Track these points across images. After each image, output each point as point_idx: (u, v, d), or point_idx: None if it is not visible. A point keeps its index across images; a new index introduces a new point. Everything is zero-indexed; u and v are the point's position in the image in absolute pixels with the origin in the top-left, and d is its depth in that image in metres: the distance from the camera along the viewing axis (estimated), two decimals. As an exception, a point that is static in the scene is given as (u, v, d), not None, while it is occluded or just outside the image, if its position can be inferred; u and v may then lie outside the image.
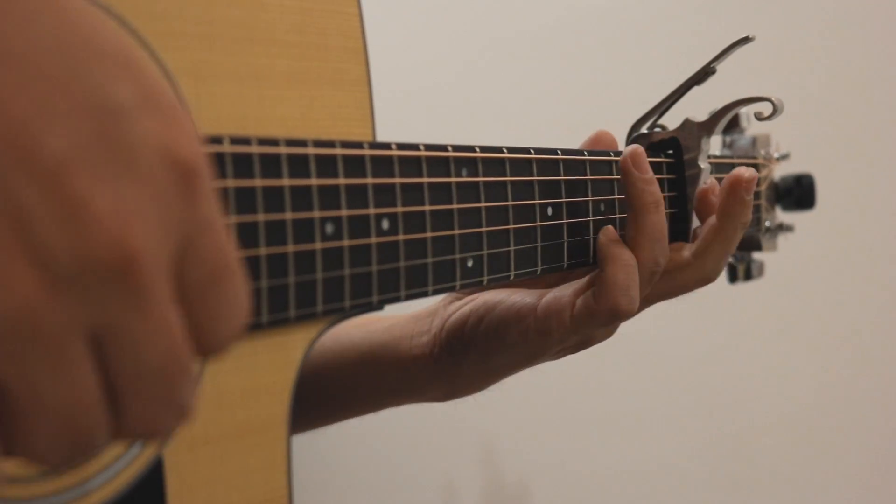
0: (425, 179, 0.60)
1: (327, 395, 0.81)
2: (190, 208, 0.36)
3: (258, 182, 0.50)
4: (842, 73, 1.85)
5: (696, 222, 0.83)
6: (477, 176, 0.65)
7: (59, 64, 0.33)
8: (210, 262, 0.37)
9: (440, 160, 0.62)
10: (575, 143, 0.82)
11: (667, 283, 0.77)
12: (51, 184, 0.32)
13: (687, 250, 0.78)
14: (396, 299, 0.59)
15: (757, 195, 1.02)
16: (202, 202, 0.36)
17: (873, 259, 1.86)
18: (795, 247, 1.15)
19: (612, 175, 0.77)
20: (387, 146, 0.58)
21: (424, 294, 0.61)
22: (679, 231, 0.84)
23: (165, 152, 0.35)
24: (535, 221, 0.70)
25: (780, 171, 1.10)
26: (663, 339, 1.80)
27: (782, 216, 1.10)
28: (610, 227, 0.75)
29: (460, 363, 0.77)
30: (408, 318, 0.80)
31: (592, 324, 0.72)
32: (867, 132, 1.85)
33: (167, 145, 0.35)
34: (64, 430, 0.34)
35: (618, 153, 0.79)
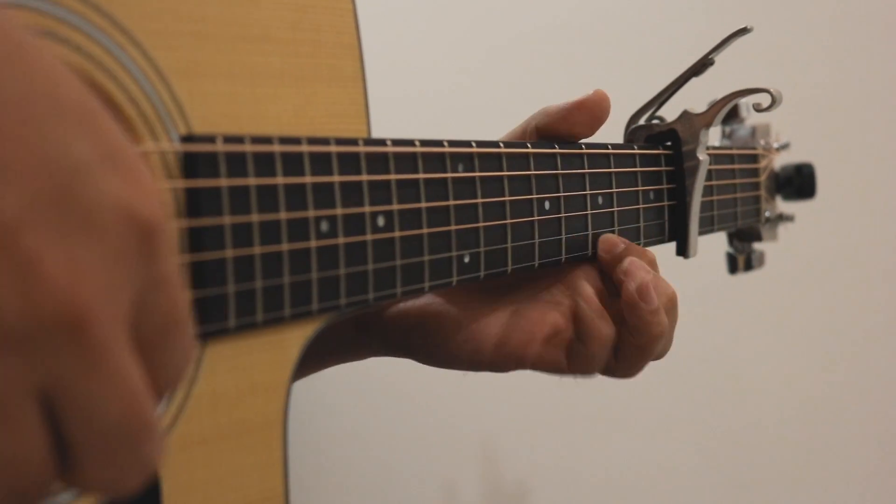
0: (421, 175, 0.60)
1: None
2: (147, 265, 0.36)
3: (252, 181, 0.50)
4: (842, 63, 1.84)
5: (694, 216, 0.83)
6: (473, 171, 0.64)
7: (18, 119, 0.33)
8: (164, 315, 0.37)
9: (436, 156, 0.62)
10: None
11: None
12: (2, 241, 0.32)
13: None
14: (392, 296, 0.59)
15: (756, 185, 1.02)
16: (159, 259, 0.37)
17: (875, 249, 1.85)
18: (796, 237, 1.15)
19: (611, 168, 0.77)
20: (382, 142, 0.58)
21: (421, 291, 0.61)
22: (678, 224, 0.84)
23: (124, 210, 0.35)
24: (533, 216, 0.70)
25: (780, 161, 1.09)
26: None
27: (783, 206, 1.10)
28: (590, 292, 0.73)
29: (392, 351, 0.76)
30: None
31: (552, 374, 0.71)
32: (868, 121, 1.84)
33: (126, 203, 0.35)
34: (7, 483, 0.33)
35: (616, 145, 0.79)
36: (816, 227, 1.51)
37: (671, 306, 0.72)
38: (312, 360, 0.79)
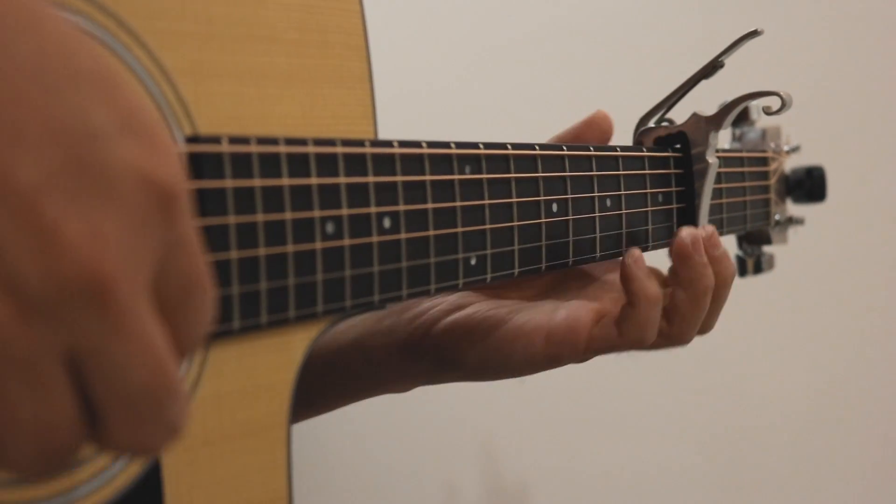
0: (428, 177, 0.60)
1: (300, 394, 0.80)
2: (167, 229, 0.36)
3: (257, 182, 0.50)
4: (853, 66, 1.83)
5: (703, 219, 0.83)
6: (480, 173, 0.64)
7: (36, 88, 0.33)
8: (185, 277, 0.38)
9: (443, 157, 0.61)
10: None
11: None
12: (22, 211, 0.32)
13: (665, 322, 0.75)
14: (398, 298, 0.58)
15: (766, 188, 1.02)
16: (179, 223, 0.37)
17: (885, 253, 1.84)
18: (806, 241, 1.15)
19: (619, 171, 0.77)
20: (388, 144, 0.58)
21: (427, 293, 0.61)
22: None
23: (143, 176, 0.35)
24: (540, 218, 0.69)
25: (790, 164, 1.09)
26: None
27: (793, 209, 1.09)
28: (635, 249, 0.72)
29: (446, 369, 0.74)
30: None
31: (610, 350, 0.71)
32: (879, 125, 1.83)
33: (145, 169, 0.35)
34: (38, 446, 0.34)
35: (625, 147, 0.79)
36: (826, 231, 1.50)
37: (724, 270, 0.74)
38: (350, 390, 0.80)
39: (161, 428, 0.37)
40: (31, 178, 0.33)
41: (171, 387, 0.36)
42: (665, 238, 0.82)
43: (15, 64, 0.33)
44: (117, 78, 0.36)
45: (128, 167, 0.35)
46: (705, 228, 0.75)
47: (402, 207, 0.58)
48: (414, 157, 0.59)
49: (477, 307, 0.74)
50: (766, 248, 1.09)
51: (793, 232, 1.10)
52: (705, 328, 0.78)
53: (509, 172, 0.67)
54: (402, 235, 0.58)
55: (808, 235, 1.12)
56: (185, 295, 0.38)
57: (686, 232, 0.74)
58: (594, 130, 0.79)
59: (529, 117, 1.87)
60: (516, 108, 1.86)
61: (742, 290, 1.30)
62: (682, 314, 0.73)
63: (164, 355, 0.36)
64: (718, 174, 0.85)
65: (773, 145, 1.05)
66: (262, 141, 0.50)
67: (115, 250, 0.34)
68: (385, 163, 0.57)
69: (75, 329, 0.33)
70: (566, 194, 0.72)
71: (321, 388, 0.79)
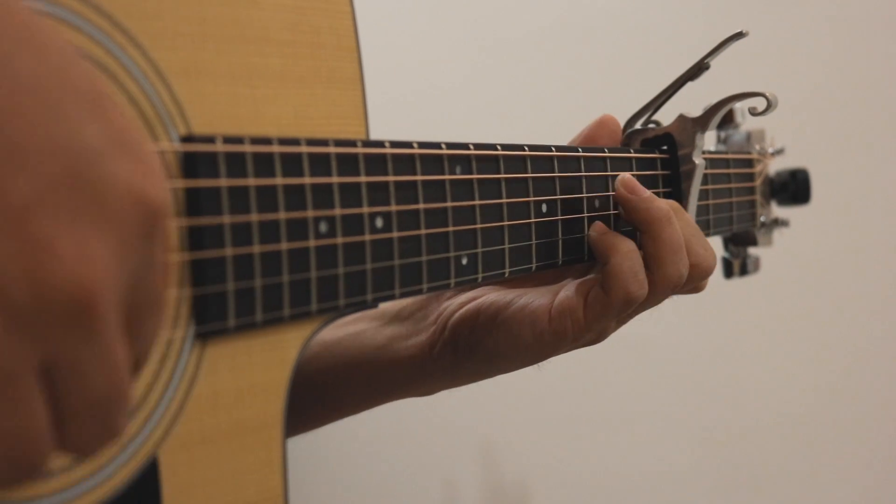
0: (419, 177, 0.60)
1: (318, 399, 0.81)
2: (149, 248, 0.37)
3: (251, 181, 0.50)
4: (837, 68, 1.85)
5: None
6: (471, 173, 0.65)
7: (31, 102, 0.34)
8: (151, 295, 0.38)
9: (434, 158, 0.62)
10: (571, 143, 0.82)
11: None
12: (14, 224, 0.33)
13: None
14: (391, 297, 0.59)
15: (752, 190, 1.02)
16: (159, 241, 0.38)
17: (870, 253, 1.86)
18: (791, 242, 1.15)
19: (607, 171, 0.77)
20: (380, 144, 0.58)
21: (419, 292, 0.61)
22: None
23: (134, 193, 0.36)
24: (530, 218, 0.70)
25: (775, 166, 1.10)
26: (663, 338, 1.80)
27: (778, 211, 1.10)
28: (598, 221, 0.75)
29: (464, 362, 0.77)
30: (390, 316, 0.80)
31: (607, 316, 0.72)
32: (863, 127, 1.85)
33: (136, 186, 0.36)
34: (12, 456, 0.35)
35: (612, 149, 0.79)
36: (811, 232, 1.51)
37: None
38: (377, 393, 0.82)
39: (108, 435, 0.38)
40: (25, 192, 0.33)
41: (125, 398, 0.37)
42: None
43: (13, 80, 0.34)
44: (110, 97, 0.37)
45: (121, 185, 0.35)
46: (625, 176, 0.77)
47: (393, 207, 0.58)
48: (405, 158, 0.60)
49: (486, 296, 0.77)
50: (752, 250, 1.10)
51: (778, 234, 1.10)
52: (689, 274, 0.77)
53: (499, 173, 0.67)
54: (395, 234, 0.58)
55: (793, 237, 1.13)
56: (147, 313, 0.38)
57: (620, 178, 0.75)
58: (605, 130, 0.82)
59: (520, 118, 1.88)
60: (507, 109, 1.87)
61: (729, 291, 1.31)
62: (651, 255, 0.74)
63: (124, 368, 0.37)
64: (705, 176, 0.86)
65: (757, 147, 1.05)
66: (256, 141, 0.51)
67: (101, 268, 0.35)
68: (377, 163, 0.57)
69: (55, 342, 0.34)
70: (555, 195, 0.72)
71: (345, 391, 0.81)
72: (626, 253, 0.72)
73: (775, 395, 1.87)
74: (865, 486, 1.85)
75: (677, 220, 0.74)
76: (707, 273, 0.78)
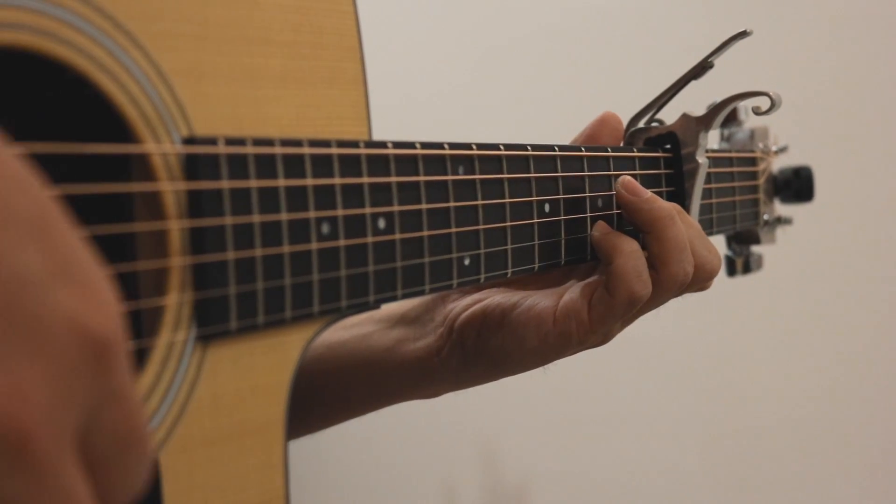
0: (422, 178, 0.60)
1: (323, 401, 0.81)
2: (98, 382, 0.35)
3: (253, 183, 0.50)
4: (841, 66, 1.84)
5: (694, 219, 0.83)
6: (473, 174, 0.65)
7: None
8: (117, 432, 0.36)
9: (436, 158, 0.62)
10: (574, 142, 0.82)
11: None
12: None
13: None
14: (393, 298, 0.59)
15: (755, 188, 1.02)
16: (112, 375, 0.35)
17: (872, 252, 1.85)
18: (794, 240, 1.15)
19: (611, 171, 0.77)
20: (383, 145, 0.58)
21: (421, 293, 0.61)
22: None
23: (75, 326, 0.34)
24: (533, 218, 0.70)
25: (778, 164, 1.09)
26: (664, 339, 1.80)
27: (781, 209, 1.10)
28: (601, 221, 0.75)
29: (471, 364, 0.77)
30: (396, 318, 0.80)
31: (612, 317, 0.72)
32: (866, 125, 1.84)
33: (78, 318, 0.34)
34: None
35: (616, 148, 0.79)
36: (814, 231, 1.51)
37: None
38: (384, 395, 0.81)
39: None
40: None
41: None
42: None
43: None
44: (58, 221, 0.35)
45: (59, 316, 0.34)
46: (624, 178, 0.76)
47: (396, 208, 0.58)
48: (408, 158, 0.59)
49: (492, 298, 0.77)
50: (755, 248, 1.09)
51: (781, 232, 1.10)
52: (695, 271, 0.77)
53: (502, 173, 0.67)
54: (397, 236, 0.58)
55: (796, 235, 1.13)
56: (116, 448, 0.36)
57: (620, 181, 0.75)
58: (607, 128, 0.82)
59: (523, 117, 1.88)
60: (510, 109, 1.87)
61: (732, 289, 1.30)
62: (656, 255, 0.73)
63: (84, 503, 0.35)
64: (708, 174, 0.86)
65: (761, 146, 1.05)
66: (258, 142, 0.51)
67: (37, 404, 0.33)
68: (379, 164, 0.57)
69: None
70: (558, 194, 0.72)
71: (350, 393, 0.81)
72: (629, 253, 0.72)
73: (778, 395, 1.87)
74: (868, 487, 1.85)
75: (681, 219, 0.74)
76: (712, 275, 0.78)
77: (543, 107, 1.85)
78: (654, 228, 0.73)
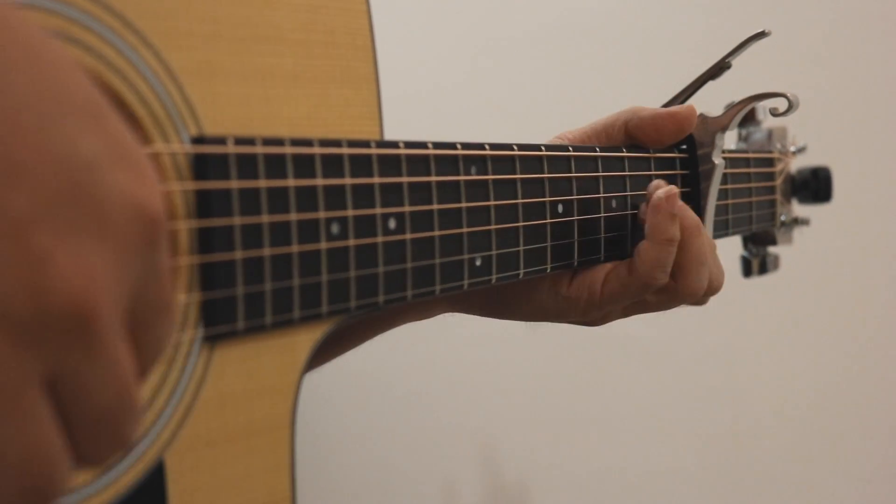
0: (433, 178, 0.60)
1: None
2: (149, 258, 0.37)
3: (263, 183, 0.50)
4: (859, 66, 1.82)
5: (709, 220, 0.82)
6: (486, 174, 0.64)
7: (30, 118, 0.34)
8: (158, 304, 0.38)
9: (448, 158, 0.61)
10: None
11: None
12: (14, 240, 0.33)
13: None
14: (402, 299, 0.58)
15: (772, 189, 1.01)
16: (159, 251, 0.37)
17: (891, 253, 1.84)
18: (811, 241, 1.14)
19: (625, 171, 0.77)
20: (394, 144, 0.58)
21: (432, 293, 0.61)
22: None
23: (133, 205, 0.36)
24: (546, 219, 0.69)
25: (796, 164, 1.08)
26: (663, 338, 1.79)
27: (798, 209, 1.09)
28: (673, 188, 0.73)
29: (473, 295, 0.78)
30: None
31: (623, 296, 0.74)
32: (885, 125, 1.83)
33: (135, 198, 0.36)
34: (28, 473, 0.34)
35: (630, 148, 0.78)
36: (832, 232, 1.50)
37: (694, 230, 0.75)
38: (381, 322, 0.82)
39: (118, 444, 0.37)
40: (25, 207, 0.33)
41: (133, 408, 0.37)
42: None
43: (9, 95, 0.33)
44: (108, 110, 0.37)
45: (119, 196, 0.35)
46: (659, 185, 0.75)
47: (407, 208, 0.58)
48: (420, 158, 0.59)
49: None
50: (772, 249, 1.09)
51: (798, 232, 1.09)
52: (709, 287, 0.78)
53: (515, 173, 0.67)
54: (408, 236, 0.58)
55: (814, 236, 1.12)
56: (154, 319, 0.38)
57: (664, 191, 0.74)
58: (673, 124, 0.80)
59: (538, 116, 1.87)
60: (524, 108, 1.86)
61: (746, 290, 1.30)
62: (677, 263, 0.74)
63: (130, 379, 0.37)
64: (724, 175, 0.85)
65: (779, 146, 1.04)
66: (268, 142, 0.50)
67: (101, 282, 0.35)
68: (391, 164, 0.57)
69: (57, 356, 0.34)
70: (572, 195, 0.71)
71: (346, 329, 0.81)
72: (669, 243, 0.72)
73: (777, 396, 1.86)
74: (868, 487, 1.84)
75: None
76: (715, 292, 0.79)
77: (559, 103, 1.84)
78: (681, 238, 0.73)
